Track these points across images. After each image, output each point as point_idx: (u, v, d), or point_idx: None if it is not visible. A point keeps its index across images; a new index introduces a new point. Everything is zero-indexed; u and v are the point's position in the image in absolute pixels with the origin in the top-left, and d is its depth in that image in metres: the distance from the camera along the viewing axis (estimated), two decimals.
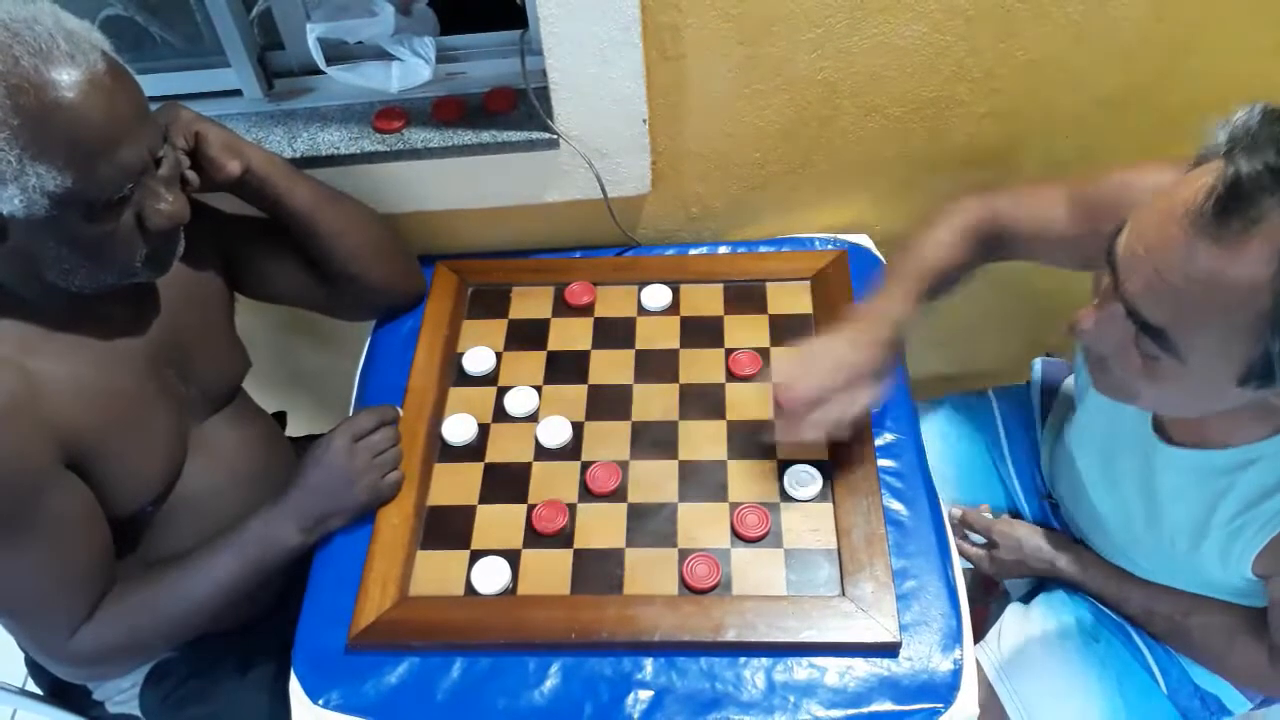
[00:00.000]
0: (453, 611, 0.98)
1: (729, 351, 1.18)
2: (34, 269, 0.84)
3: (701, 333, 1.21)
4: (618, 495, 1.06)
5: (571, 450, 1.10)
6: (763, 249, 1.30)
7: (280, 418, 1.31)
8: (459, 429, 1.11)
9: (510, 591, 0.99)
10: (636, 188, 1.23)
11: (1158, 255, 0.69)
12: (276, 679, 1.04)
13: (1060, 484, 1.17)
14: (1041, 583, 1.16)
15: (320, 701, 0.94)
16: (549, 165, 1.19)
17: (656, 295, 1.24)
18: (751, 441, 1.09)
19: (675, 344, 1.20)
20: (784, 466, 1.06)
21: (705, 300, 1.24)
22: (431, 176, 1.21)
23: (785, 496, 1.04)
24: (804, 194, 1.30)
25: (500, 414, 1.14)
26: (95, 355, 0.91)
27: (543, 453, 1.10)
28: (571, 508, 1.05)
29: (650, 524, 1.03)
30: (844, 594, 0.96)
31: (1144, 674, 1.05)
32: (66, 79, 0.76)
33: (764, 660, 0.94)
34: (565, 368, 1.18)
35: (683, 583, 0.98)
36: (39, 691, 1.16)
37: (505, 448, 1.11)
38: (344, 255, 1.10)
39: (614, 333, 1.22)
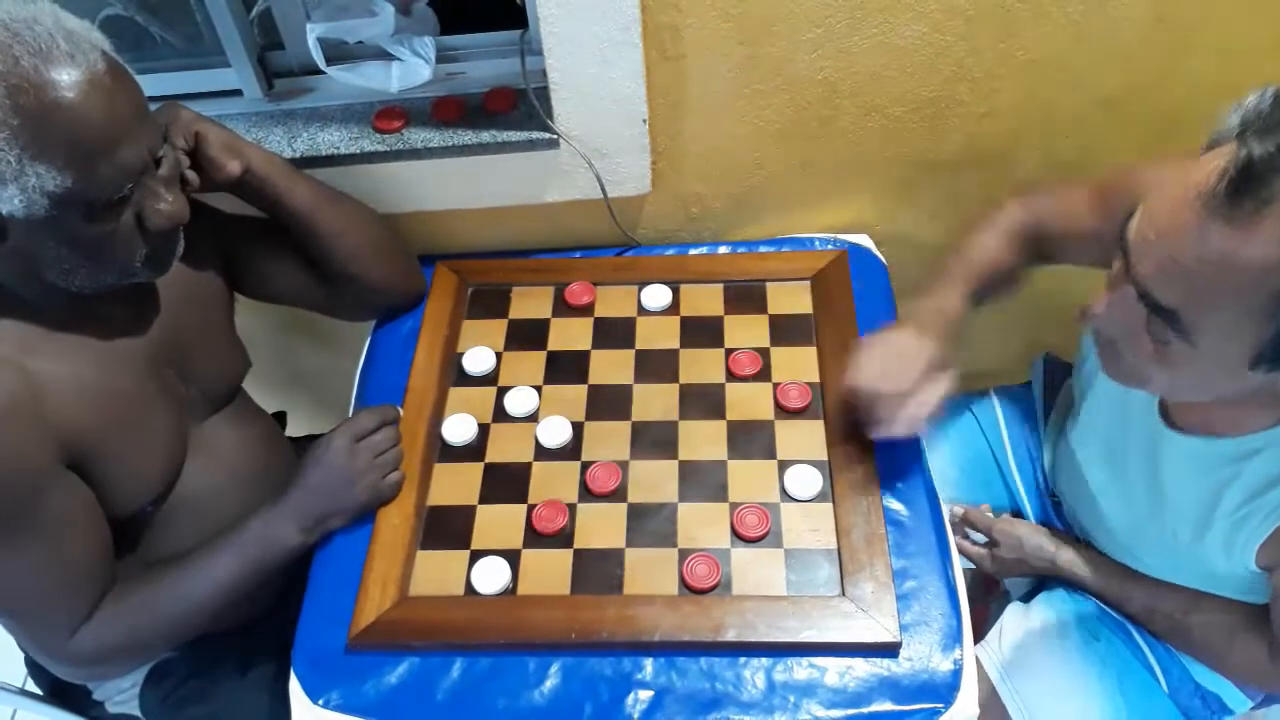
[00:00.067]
0: (453, 611, 0.98)
1: (729, 351, 1.18)
2: (34, 269, 0.84)
3: (701, 333, 1.21)
4: (618, 495, 1.06)
5: (571, 450, 1.10)
6: (763, 249, 1.30)
7: (280, 418, 1.31)
8: (459, 429, 1.11)
9: (510, 591, 0.99)
10: (636, 188, 1.23)
11: (1170, 238, 0.69)
12: (276, 679, 1.04)
13: (1063, 482, 1.17)
14: (1042, 582, 1.16)
15: (320, 701, 0.94)
16: (549, 165, 1.19)
17: (656, 295, 1.24)
18: (752, 441, 1.09)
19: (675, 344, 1.20)
20: (784, 466, 1.06)
21: (705, 300, 1.24)
22: (431, 176, 1.21)
23: (785, 496, 1.04)
24: (804, 194, 1.30)
25: (500, 414, 1.14)
26: (95, 355, 0.91)
27: (543, 453, 1.10)
28: (571, 508, 1.05)
29: (650, 524, 1.03)
30: (844, 594, 0.96)
31: (1145, 673, 1.05)
32: (66, 79, 0.76)
33: (764, 660, 0.94)
34: (565, 368, 1.18)
35: (683, 583, 0.98)
36: (39, 691, 1.16)
37: (505, 448, 1.11)
38: (344, 255, 1.10)
39: (614, 333, 1.22)
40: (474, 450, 1.11)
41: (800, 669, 0.93)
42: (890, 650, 0.93)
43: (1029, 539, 1.12)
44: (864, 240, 1.31)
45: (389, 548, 1.02)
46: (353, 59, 1.20)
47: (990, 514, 1.19)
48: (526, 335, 1.22)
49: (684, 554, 1.00)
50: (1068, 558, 1.10)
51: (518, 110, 1.19)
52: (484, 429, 1.13)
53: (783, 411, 1.11)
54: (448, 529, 1.04)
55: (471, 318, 1.25)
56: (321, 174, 1.13)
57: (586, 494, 1.06)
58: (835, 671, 0.93)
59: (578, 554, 1.01)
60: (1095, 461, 1.05)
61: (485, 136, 1.16)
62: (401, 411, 1.11)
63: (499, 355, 1.20)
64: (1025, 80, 1.16)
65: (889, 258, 1.29)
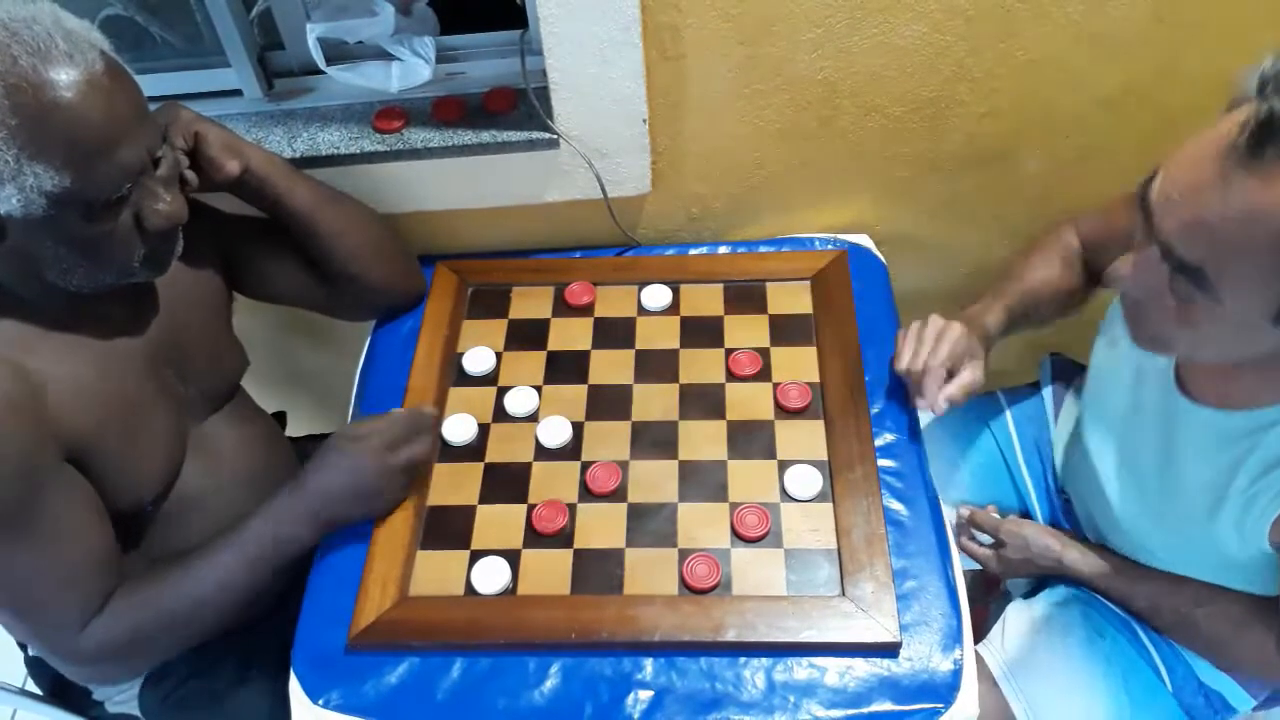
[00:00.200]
0: (453, 611, 0.98)
1: (729, 351, 1.18)
2: (32, 269, 0.84)
3: (701, 333, 1.21)
4: (618, 495, 1.06)
5: (571, 450, 1.10)
6: (763, 249, 1.30)
7: (280, 418, 1.31)
8: (459, 429, 1.11)
9: (510, 591, 0.99)
10: (636, 188, 1.23)
11: (1193, 193, 0.70)
12: (276, 679, 1.04)
13: (1073, 478, 1.17)
14: (1043, 581, 1.15)
15: (320, 702, 0.94)
16: (549, 165, 1.19)
17: (656, 295, 1.24)
18: (752, 441, 1.09)
19: (675, 344, 1.20)
20: (784, 466, 1.06)
21: (705, 300, 1.24)
22: (431, 176, 1.21)
23: (785, 496, 1.04)
24: (804, 194, 1.30)
25: (500, 414, 1.14)
26: (94, 355, 0.91)
27: (543, 453, 1.10)
28: (571, 508, 1.05)
29: (650, 524, 1.03)
30: (844, 594, 0.96)
31: (1149, 671, 1.05)
32: (65, 79, 0.76)
33: (764, 660, 0.94)
34: (565, 368, 1.18)
35: (683, 583, 0.98)
36: (39, 691, 1.16)
37: (505, 448, 1.11)
38: (344, 255, 1.10)
39: (614, 333, 1.22)
40: (474, 450, 1.11)
41: (800, 669, 0.93)
42: (890, 650, 0.93)
43: (1035, 539, 1.12)
44: (864, 240, 1.31)
45: (389, 548, 1.02)
46: (353, 59, 1.20)
47: (997, 514, 1.19)
48: (526, 335, 1.22)
49: (684, 554, 1.00)
50: (1074, 557, 1.09)
51: (518, 110, 1.19)
52: (484, 429, 1.13)
53: (783, 411, 1.11)
54: (448, 529, 1.04)
55: (471, 318, 1.25)
56: (321, 174, 1.13)
57: (586, 494, 1.06)
58: (835, 671, 0.92)
59: (578, 554, 1.01)
60: (1107, 449, 1.04)
61: (485, 136, 1.16)
62: (436, 412, 1.10)
63: (499, 355, 1.20)
64: (1025, 80, 1.16)
65: (889, 258, 1.30)
